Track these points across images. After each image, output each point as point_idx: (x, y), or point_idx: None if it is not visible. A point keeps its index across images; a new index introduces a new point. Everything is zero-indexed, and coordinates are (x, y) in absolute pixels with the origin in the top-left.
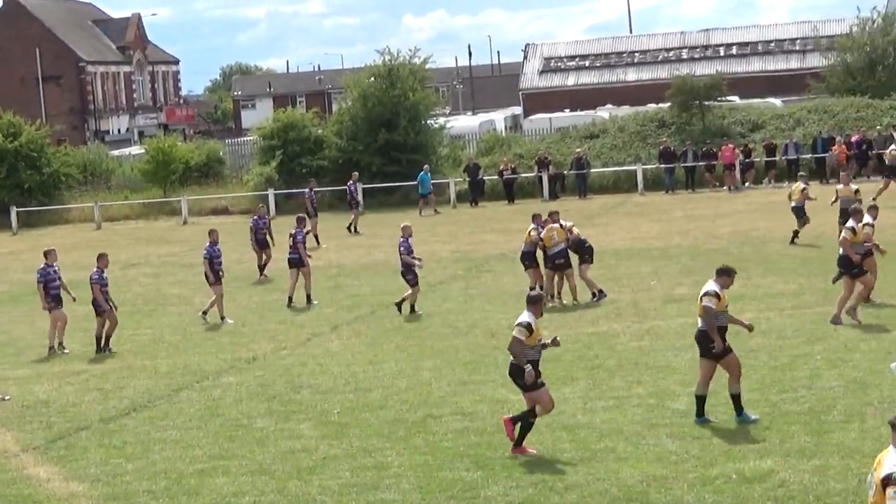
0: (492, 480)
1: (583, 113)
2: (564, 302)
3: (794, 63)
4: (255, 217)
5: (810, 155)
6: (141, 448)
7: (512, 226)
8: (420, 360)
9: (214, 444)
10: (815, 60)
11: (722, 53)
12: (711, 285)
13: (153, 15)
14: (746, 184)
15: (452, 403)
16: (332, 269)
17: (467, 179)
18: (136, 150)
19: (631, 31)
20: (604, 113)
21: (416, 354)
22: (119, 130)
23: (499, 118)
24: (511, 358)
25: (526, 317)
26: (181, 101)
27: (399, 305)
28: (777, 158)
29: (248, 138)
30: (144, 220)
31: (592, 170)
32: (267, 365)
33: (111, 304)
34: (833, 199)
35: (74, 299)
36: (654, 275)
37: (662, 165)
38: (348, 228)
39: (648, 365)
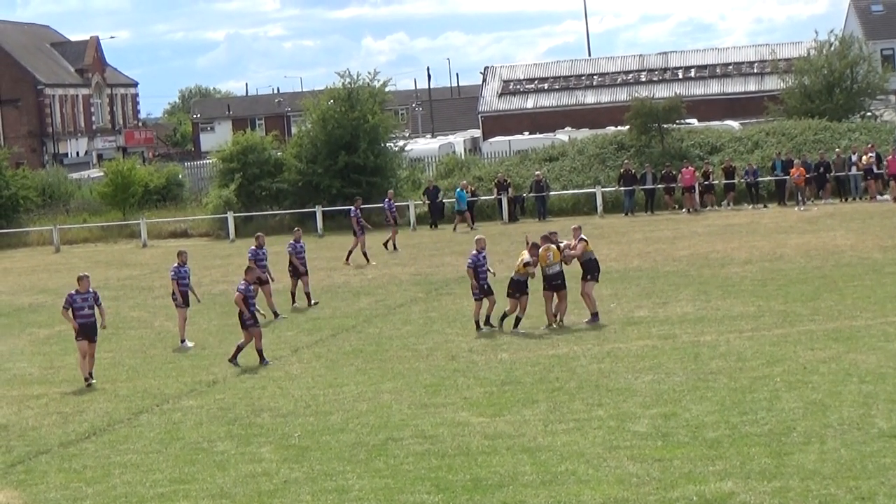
0: (453, 503)
1: (542, 136)
2: (563, 324)
3: (752, 86)
4: (293, 241)
5: (769, 178)
6: (101, 472)
7: (471, 248)
8: (380, 382)
9: (175, 467)
10: (772, 83)
11: (680, 76)
12: None
13: (111, 38)
14: (706, 206)
15: (413, 426)
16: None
17: (427, 202)
18: (94, 172)
19: (589, 54)
20: (563, 136)
21: (377, 377)
22: (78, 153)
23: (458, 141)
24: None
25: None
26: (140, 124)
27: (487, 321)
28: (736, 181)
29: (208, 161)
30: (104, 244)
31: (552, 192)
32: (227, 388)
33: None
34: None
35: (199, 300)
36: (613, 297)
37: (622, 188)
38: (385, 245)
39: (609, 387)
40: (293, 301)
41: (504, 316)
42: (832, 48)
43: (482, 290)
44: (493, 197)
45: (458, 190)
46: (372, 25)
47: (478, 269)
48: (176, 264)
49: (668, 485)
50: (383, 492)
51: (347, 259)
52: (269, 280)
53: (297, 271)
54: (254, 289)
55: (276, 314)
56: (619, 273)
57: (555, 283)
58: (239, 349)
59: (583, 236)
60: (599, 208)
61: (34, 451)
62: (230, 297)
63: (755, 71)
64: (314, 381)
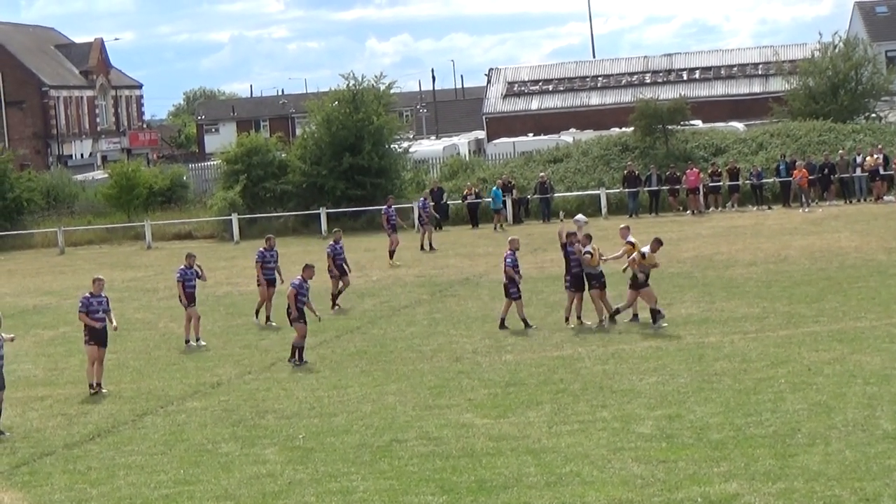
0: None
1: (546, 137)
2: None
3: (756, 87)
4: (333, 242)
5: (773, 179)
6: (105, 474)
7: (476, 250)
8: (385, 384)
9: (179, 469)
10: (777, 85)
11: (685, 78)
12: None
13: (116, 39)
14: (710, 208)
15: (418, 428)
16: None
17: (431, 203)
18: (99, 174)
19: (594, 56)
20: (567, 137)
21: (381, 379)
22: (82, 155)
23: (462, 142)
24: None
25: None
26: (144, 126)
27: (502, 322)
28: (740, 182)
29: (212, 163)
30: (108, 245)
31: (556, 194)
32: (231, 390)
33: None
34: None
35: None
36: (618, 299)
37: (626, 189)
38: (421, 247)
39: (613, 389)
40: (333, 305)
41: (616, 311)
42: (837, 50)
43: (519, 289)
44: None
45: (494, 188)
46: (376, 27)
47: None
48: (183, 266)
49: (672, 486)
50: (388, 493)
51: (391, 257)
52: (280, 282)
53: (338, 272)
54: (308, 287)
55: (268, 319)
56: (623, 275)
57: (601, 282)
58: (299, 350)
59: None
60: (604, 210)
61: (38, 452)
62: (234, 298)
63: (759, 72)
64: (318, 383)
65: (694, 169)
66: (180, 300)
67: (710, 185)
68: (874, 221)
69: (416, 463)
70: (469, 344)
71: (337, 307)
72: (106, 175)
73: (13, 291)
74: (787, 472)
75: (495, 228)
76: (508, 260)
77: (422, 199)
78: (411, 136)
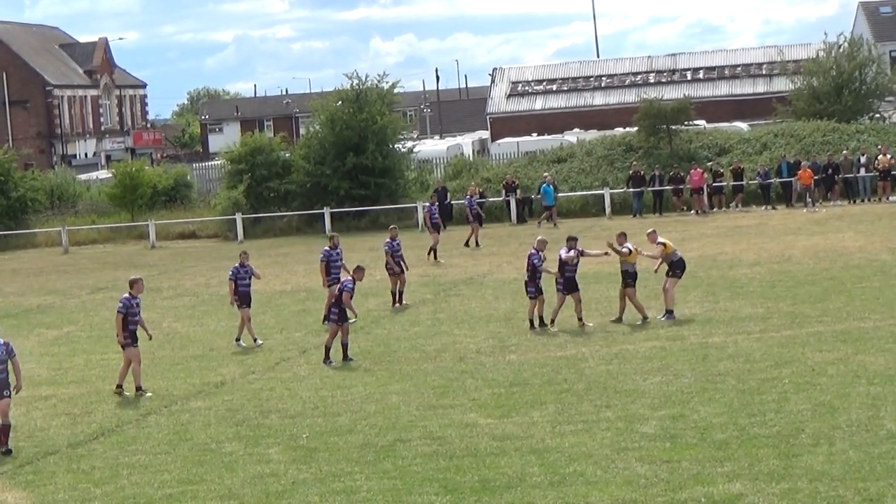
0: None
1: (550, 137)
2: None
3: (760, 87)
4: (389, 240)
5: (775, 179)
6: (109, 473)
7: (480, 250)
8: (388, 384)
9: (183, 468)
10: (781, 85)
11: (689, 77)
12: None
13: (120, 39)
14: (714, 208)
15: (421, 428)
16: (300, 292)
17: (435, 203)
18: (103, 174)
19: (598, 56)
20: (571, 137)
21: (385, 378)
22: (86, 154)
23: (466, 142)
24: None
25: None
26: (148, 125)
27: (533, 323)
28: (744, 182)
29: (216, 162)
30: (112, 245)
31: (560, 194)
32: (235, 389)
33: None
34: None
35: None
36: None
37: (630, 189)
38: (466, 243)
39: (617, 389)
40: (394, 302)
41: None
42: (841, 50)
43: (537, 289)
44: (501, 199)
45: (544, 185)
46: (380, 27)
47: (537, 269)
48: (236, 265)
49: (676, 486)
50: (391, 493)
51: (435, 257)
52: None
53: (395, 270)
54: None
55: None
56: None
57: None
58: (345, 347)
59: (661, 240)
60: (608, 210)
61: (42, 451)
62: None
63: (764, 72)
64: (322, 383)
65: (698, 169)
66: (231, 300)
67: (714, 185)
68: (878, 221)
69: (419, 462)
70: (473, 344)
71: (398, 304)
72: (110, 174)
73: (17, 291)
74: (790, 472)
75: (538, 224)
76: (535, 259)
77: (468, 195)
78: (415, 136)
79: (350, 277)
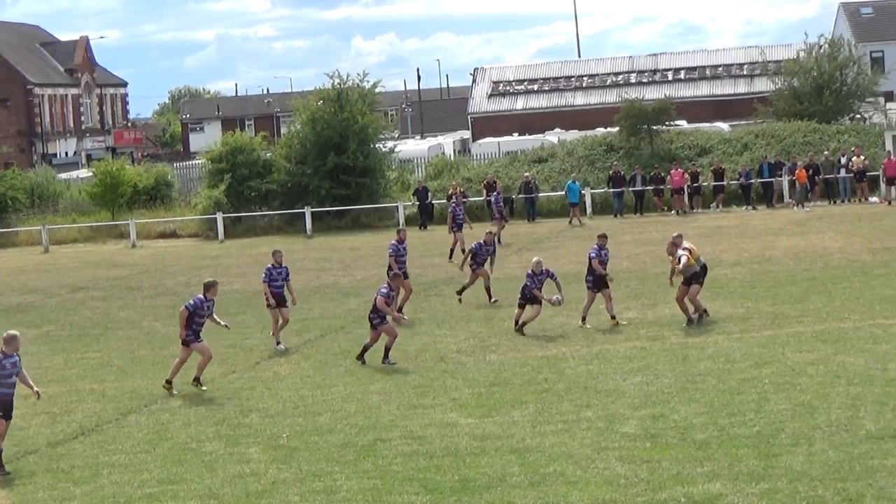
0: None
1: (531, 137)
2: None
3: (741, 88)
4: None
5: (756, 180)
6: (89, 472)
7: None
8: (369, 383)
9: (163, 468)
10: (762, 85)
11: (670, 78)
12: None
13: (101, 38)
14: (695, 209)
15: (402, 427)
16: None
17: (416, 203)
18: (83, 173)
19: (579, 56)
20: (552, 137)
21: (365, 378)
22: (67, 153)
23: (447, 142)
24: None
25: None
26: (129, 124)
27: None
28: (725, 183)
29: (197, 161)
30: (92, 244)
31: (541, 194)
32: (216, 389)
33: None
34: None
35: (295, 303)
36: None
37: (611, 189)
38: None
39: (597, 389)
40: (490, 298)
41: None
42: (822, 50)
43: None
44: (482, 198)
45: (569, 182)
46: (362, 26)
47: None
48: (269, 265)
49: (656, 486)
50: (371, 492)
51: (451, 257)
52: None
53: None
54: (394, 295)
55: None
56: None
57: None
58: (387, 350)
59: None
60: (588, 210)
61: (22, 451)
62: (218, 297)
63: (745, 73)
64: (303, 382)
65: (678, 169)
66: (267, 302)
67: (694, 185)
68: (858, 222)
69: (399, 462)
70: (453, 343)
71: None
72: (90, 174)
73: None
74: (770, 472)
75: (570, 223)
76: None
77: (496, 193)
78: (396, 136)
79: (388, 284)
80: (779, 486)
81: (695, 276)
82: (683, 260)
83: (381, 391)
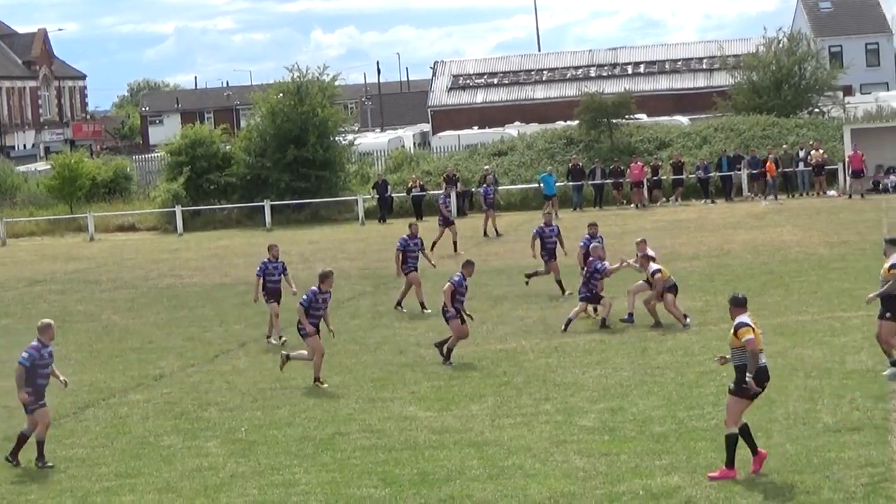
0: (399, 498)
1: (491, 130)
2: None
3: (701, 82)
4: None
5: (715, 173)
6: None
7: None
8: (328, 376)
9: (121, 462)
10: (721, 79)
11: (630, 72)
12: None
13: (60, 30)
14: (655, 202)
15: (360, 421)
16: (240, 285)
17: (376, 196)
18: (42, 165)
19: (539, 49)
20: (512, 130)
21: (324, 371)
22: (25, 146)
23: (407, 135)
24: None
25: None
26: (88, 117)
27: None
28: (684, 176)
29: (156, 154)
30: (50, 237)
31: (500, 187)
32: (174, 382)
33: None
34: None
35: (295, 293)
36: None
37: (570, 183)
38: (485, 233)
39: (556, 382)
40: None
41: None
42: (781, 45)
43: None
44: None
45: (544, 175)
46: (321, 19)
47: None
48: (265, 259)
49: (614, 479)
50: (330, 486)
51: (455, 248)
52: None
53: (548, 256)
54: (466, 285)
55: (423, 306)
56: (567, 268)
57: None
58: (446, 345)
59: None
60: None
61: None
62: (177, 290)
63: (704, 67)
64: (261, 375)
65: (638, 163)
66: (255, 296)
67: (653, 178)
68: (816, 216)
69: (358, 455)
70: (413, 336)
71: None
72: (49, 166)
73: None
74: None
75: (543, 215)
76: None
77: (485, 185)
78: (356, 129)
79: (460, 273)
80: (736, 479)
81: (673, 287)
82: (657, 276)
83: (340, 384)
